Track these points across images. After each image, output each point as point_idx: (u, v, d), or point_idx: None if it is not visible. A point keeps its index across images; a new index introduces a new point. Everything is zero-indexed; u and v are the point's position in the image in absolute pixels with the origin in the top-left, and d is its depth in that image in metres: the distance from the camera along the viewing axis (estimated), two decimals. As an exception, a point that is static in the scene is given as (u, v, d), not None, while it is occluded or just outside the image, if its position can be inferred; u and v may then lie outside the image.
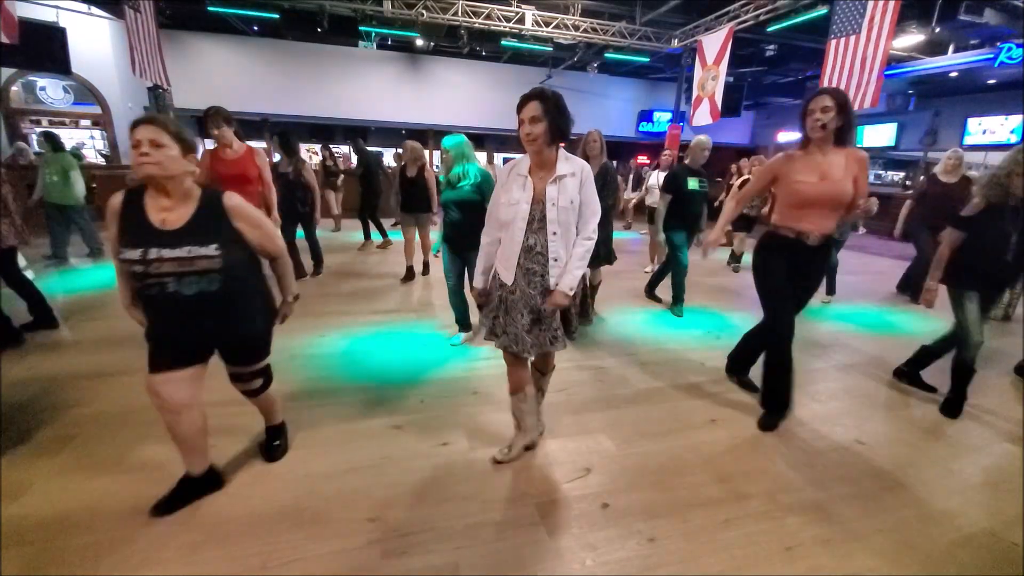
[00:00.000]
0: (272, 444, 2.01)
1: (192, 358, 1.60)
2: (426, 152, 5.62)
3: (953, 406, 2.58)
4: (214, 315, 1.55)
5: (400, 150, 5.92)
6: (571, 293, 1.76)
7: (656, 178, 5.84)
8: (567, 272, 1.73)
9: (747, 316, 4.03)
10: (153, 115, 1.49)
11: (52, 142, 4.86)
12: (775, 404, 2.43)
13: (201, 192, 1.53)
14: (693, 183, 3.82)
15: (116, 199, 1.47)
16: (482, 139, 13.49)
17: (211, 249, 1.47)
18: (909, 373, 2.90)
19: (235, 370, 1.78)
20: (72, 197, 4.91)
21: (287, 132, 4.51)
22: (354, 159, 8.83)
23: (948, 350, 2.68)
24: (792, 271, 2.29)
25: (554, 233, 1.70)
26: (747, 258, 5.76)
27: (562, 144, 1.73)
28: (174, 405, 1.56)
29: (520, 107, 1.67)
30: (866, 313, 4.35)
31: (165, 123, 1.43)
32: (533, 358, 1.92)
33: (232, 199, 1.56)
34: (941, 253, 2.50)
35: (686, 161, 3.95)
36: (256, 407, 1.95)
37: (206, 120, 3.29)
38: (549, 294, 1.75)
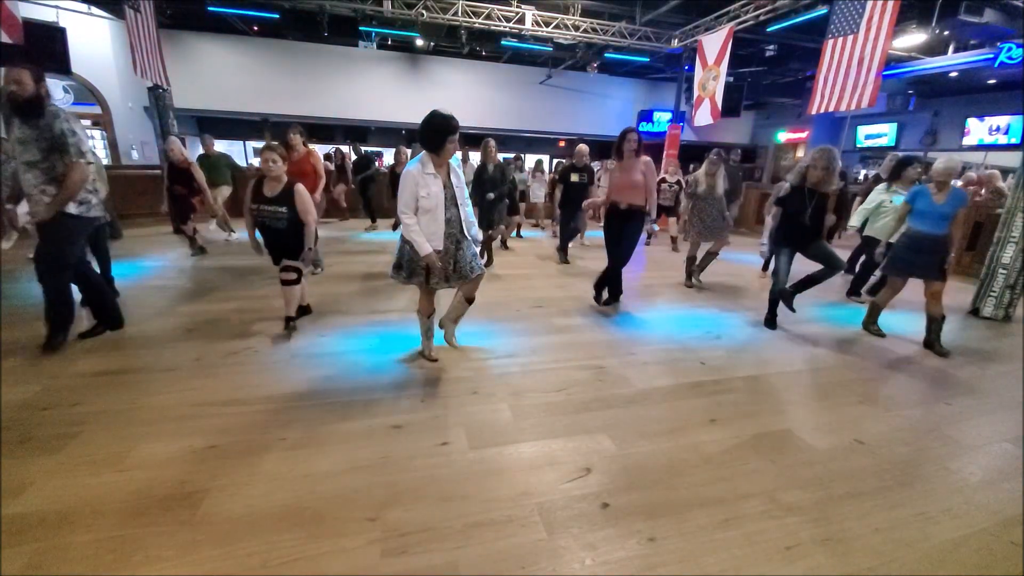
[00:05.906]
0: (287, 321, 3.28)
1: (280, 257, 3.21)
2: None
3: (771, 323, 3.78)
4: (283, 237, 3.12)
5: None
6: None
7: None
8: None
9: (746, 316, 4.05)
10: (272, 144, 3.06)
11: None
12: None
13: (287, 180, 3.07)
14: (575, 177, 5.60)
15: (252, 181, 3.08)
16: (481, 139, 13.48)
17: (283, 209, 3.03)
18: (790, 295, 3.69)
19: (286, 263, 3.16)
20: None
21: None
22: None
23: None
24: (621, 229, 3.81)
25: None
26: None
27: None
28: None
29: (454, 131, 2.43)
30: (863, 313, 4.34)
31: (277, 148, 3.02)
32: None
33: (298, 187, 3.06)
34: (767, 223, 3.69)
35: (573, 161, 5.67)
36: (284, 298, 3.25)
37: (286, 129, 4.46)
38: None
